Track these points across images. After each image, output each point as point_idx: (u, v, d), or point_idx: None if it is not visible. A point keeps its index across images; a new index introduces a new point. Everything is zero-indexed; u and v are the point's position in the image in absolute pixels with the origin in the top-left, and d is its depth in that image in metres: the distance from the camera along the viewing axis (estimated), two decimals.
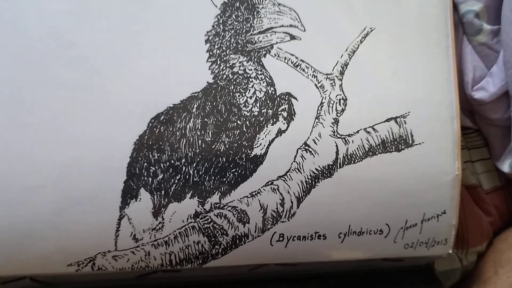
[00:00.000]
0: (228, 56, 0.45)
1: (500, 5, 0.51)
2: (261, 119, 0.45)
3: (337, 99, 0.46)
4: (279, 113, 0.45)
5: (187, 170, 0.44)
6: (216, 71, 0.44)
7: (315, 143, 0.46)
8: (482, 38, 0.53)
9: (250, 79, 0.45)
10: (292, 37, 0.46)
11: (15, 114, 0.42)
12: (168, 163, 0.44)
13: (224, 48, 0.45)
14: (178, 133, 0.44)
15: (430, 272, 0.55)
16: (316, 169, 0.46)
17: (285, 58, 0.46)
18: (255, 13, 0.45)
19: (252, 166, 0.45)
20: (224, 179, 0.45)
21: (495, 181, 0.59)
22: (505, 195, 0.59)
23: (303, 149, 0.46)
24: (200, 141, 0.44)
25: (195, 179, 0.44)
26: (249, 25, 0.45)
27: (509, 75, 0.50)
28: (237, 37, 0.45)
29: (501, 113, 0.53)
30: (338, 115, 0.46)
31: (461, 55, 0.54)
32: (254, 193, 0.45)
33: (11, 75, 0.42)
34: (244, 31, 0.45)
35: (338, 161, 0.46)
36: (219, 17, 0.45)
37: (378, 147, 0.47)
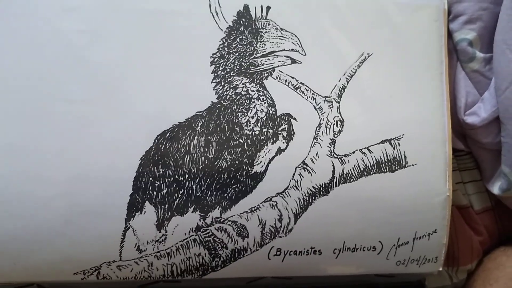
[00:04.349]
0: (232, 78, 0.47)
1: (493, 34, 0.53)
2: (262, 138, 0.47)
3: (334, 121, 0.48)
4: (279, 132, 0.47)
5: (190, 185, 0.46)
6: (220, 92, 0.47)
7: (313, 162, 0.48)
8: (475, 65, 0.54)
9: (252, 100, 0.47)
10: (293, 61, 0.48)
11: (28, 127, 0.44)
12: (172, 178, 0.45)
13: (228, 70, 0.47)
14: (182, 150, 0.46)
15: None
16: (313, 187, 0.47)
17: (286, 81, 0.48)
18: (259, 37, 0.48)
19: (252, 183, 0.47)
20: (225, 195, 0.46)
21: (486, 202, 0.60)
22: (495, 215, 0.60)
23: (301, 167, 0.47)
24: (203, 158, 0.46)
25: (197, 194, 0.46)
26: (252, 48, 0.47)
27: (500, 101, 0.51)
28: (241, 59, 0.47)
29: (491, 137, 0.54)
30: (335, 136, 0.48)
31: (454, 81, 0.55)
32: (253, 209, 0.47)
33: (26, 90, 0.44)
34: (247, 54, 0.47)
35: (335, 180, 0.48)
36: (224, 40, 0.47)
37: (373, 167, 0.49)
